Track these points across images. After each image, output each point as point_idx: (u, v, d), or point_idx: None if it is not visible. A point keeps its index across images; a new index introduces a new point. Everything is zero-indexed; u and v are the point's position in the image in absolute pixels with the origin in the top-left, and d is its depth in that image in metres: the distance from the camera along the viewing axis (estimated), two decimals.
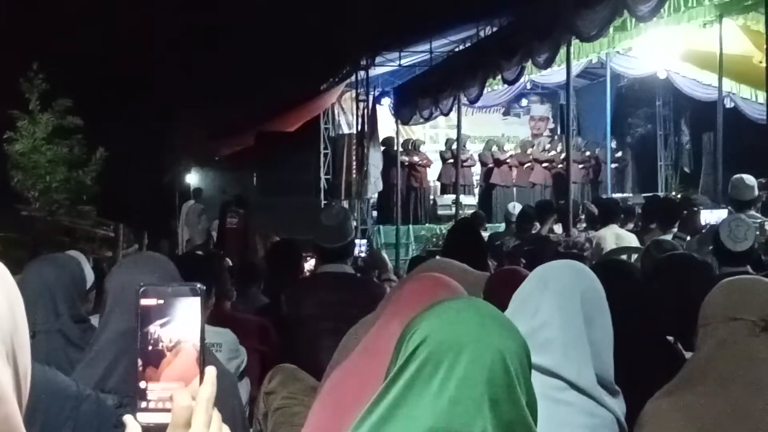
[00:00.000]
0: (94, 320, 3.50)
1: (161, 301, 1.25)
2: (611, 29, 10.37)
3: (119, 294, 2.55)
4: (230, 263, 7.64)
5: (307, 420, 2.58)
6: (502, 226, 12.92)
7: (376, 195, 19.12)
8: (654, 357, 3.06)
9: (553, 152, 20.06)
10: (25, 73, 17.99)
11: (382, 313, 2.61)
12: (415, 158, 19.58)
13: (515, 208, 11.27)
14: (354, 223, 17.34)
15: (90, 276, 4.00)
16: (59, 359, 3.06)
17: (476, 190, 20.21)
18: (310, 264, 7.24)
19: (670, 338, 3.49)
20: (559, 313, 2.26)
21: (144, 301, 1.25)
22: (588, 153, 19.82)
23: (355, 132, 19.79)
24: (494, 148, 19.87)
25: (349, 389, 2.47)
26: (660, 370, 2.58)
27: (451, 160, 18.35)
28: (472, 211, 15.16)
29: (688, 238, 7.73)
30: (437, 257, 3.36)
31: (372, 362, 2.48)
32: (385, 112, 19.03)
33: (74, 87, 18.46)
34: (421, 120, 16.92)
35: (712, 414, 2.21)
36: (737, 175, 7.88)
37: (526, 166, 19.81)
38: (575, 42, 10.56)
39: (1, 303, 1.07)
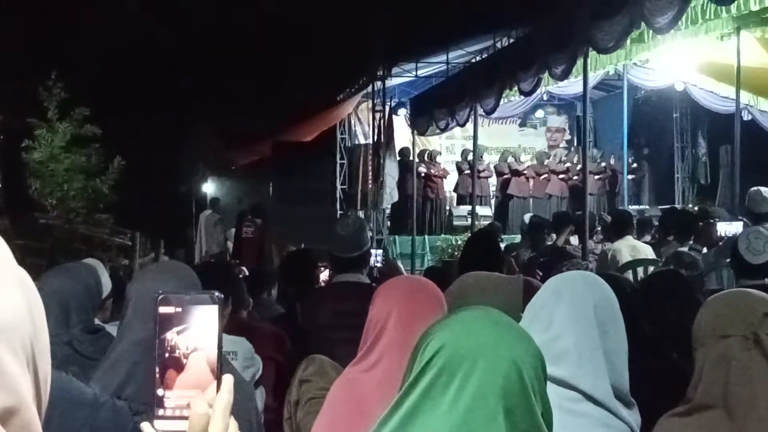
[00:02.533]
0: (111, 328, 3.52)
1: (179, 309, 1.26)
2: (628, 41, 10.35)
3: (139, 302, 2.56)
4: (246, 272, 7.66)
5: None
6: (517, 237, 12.91)
7: (391, 205, 19.12)
8: (649, 372, 3.06)
9: (569, 164, 20.02)
10: (44, 82, 18.07)
11: (369, 324, 2.63)
12: (432, 169, 19.59)
13: (527, 219, 11.27)
14: (369, 233, 17.35)
15: (107, 284, 4.02)
16: (66, 371, 3.07)
17: (492, 201, 20.20)
18: (324, 274, 7.26)
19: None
20: (573, 324, 2.26)
21: (162, 309, 1.26)
22: (604, 164, 19.78)
23: (371, 142, 19.81)
24: (510, 159, 19.87)
25: (355, 403, 2.48)
26: (659, 384, 2.58)
27: (468, 171, 18.34)
28: (487, 222, 15.17)
29: (705, 250, 7.71)
30: (473, 272, 3.36)
31: (375, 372, 2.49)
32: (401, 122, 19.05)
33: (92, 96, 18.52)
34: (438, 131, 16.93)
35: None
36: (754, 188, 7.85)
37: (542, 177, 19.78)
38: (592, 53, 10.55)
39: (21, 310, 1.08)
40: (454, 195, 20.25)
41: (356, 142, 21.15)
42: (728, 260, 5.66)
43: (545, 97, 19.95)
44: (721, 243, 7.77)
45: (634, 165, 19.95)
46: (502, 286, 3.23)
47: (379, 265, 11.56)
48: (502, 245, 10.22)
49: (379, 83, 18.81)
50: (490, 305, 2.47)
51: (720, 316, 2.33)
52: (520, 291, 3.25)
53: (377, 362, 2.50)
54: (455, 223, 19.23)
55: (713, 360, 2.28)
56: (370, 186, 19.44)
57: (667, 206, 14.77)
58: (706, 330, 2.34)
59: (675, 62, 14.58)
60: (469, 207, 16.98)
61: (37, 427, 1.07)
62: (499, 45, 14.93)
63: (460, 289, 3.19)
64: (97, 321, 3.75)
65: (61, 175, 18.30)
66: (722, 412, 2.22)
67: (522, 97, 15.43)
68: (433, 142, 20.53)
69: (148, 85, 22.59)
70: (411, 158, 18.38)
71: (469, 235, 12.22)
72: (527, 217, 11.56)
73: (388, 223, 20.01)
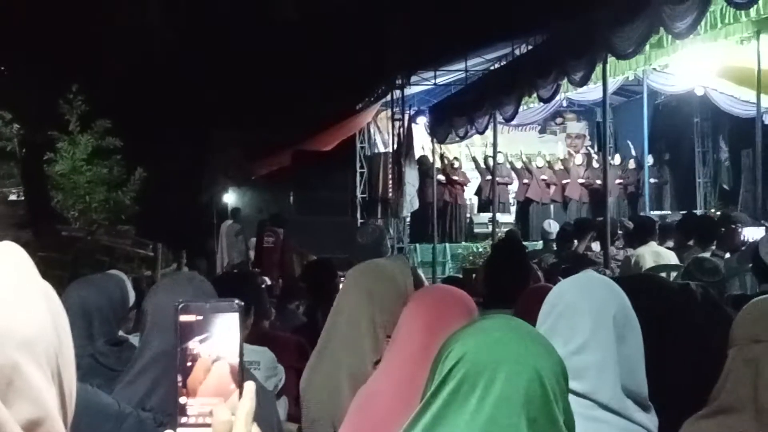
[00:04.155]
0: (135, 339, 3.53)
1: (200, 318, 1.26)
2: (647, 46, 10.32)
3: (158, 314, 2.57)
4: (268, 282, 7.68)
5: None
6: (539, 244, 12.88)
7: (411, 213, 19.12)
8: (687, 375, 3.04)
9: (589, 169, 19.96)
10: (65, 95, 18.19)
11: (398, 331, 2.62)
12: (453, 176, 19.59)
13: (551, 225, 11.25)
14: (390, 242, 17.37)
15: (131, 295, 4.04)
16: (90, 383, 3.08)
17: (512, 208, 20.17)
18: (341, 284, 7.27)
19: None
20: (593, 338, 2.24)
21: (183, 318, 1.27)
22: (625, 170, 19.70)
23: (391, 151, 19.83)
24: (531, 166, 19.85)
25: (378, 411, 2.48)
26: (692, 386, 2.56)
27: (489, 178, 18.33)
28: (507, 229, 15.15)
29: (727, 255, 7.66)
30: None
31: (398, 382, 2.49)
32: (420, 130, 19.06)
33: (113, 108, 18.64)
34: (457, 138, 16.92)
35: None
36: None
37: (563, 182, 19.74)
38: (611, 59, 10.52)
39: (46, 323, 1.09)
40: (474, 203, 20.23)
41: (376, 151, 21.17)
42: (750, 265, 5.62)
43: (565, 104, 19.92)
44: (743, 248, 7.72)
45: (656, 170, 19.86)
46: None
47: None
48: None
49: (398, 92, 18.84)
50: None
51: (755, 320, 2.32)
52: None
53: (400, 370, 2.50)
54: (476, 230, 19.23)
55: (742, 363, 2.27)
56: (390, 194, 19.46)
57: (687, 211, 14.68)
58: (741, 331, 2.32)
59: (695, 67, 14.52)
60: (490, 214, 16.95)
61: None
62: (517, 52, 14.92)
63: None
64: (120, 332, 3.77)
65: (83, 187, 18.41)
66: (748, 415, 2.21)
67: (541, 103, 15.40)
68: (452, 149, 20.52)
69: (169, 97, 22.69)
70: (431, 166, 18.37)
71: (490, 242, 12.21)
72: (548, 224, 11.54)
73: (409, 231, 20.02)
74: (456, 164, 19.98)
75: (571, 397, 1.69)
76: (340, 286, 6.31)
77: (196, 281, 2.82)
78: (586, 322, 2.27)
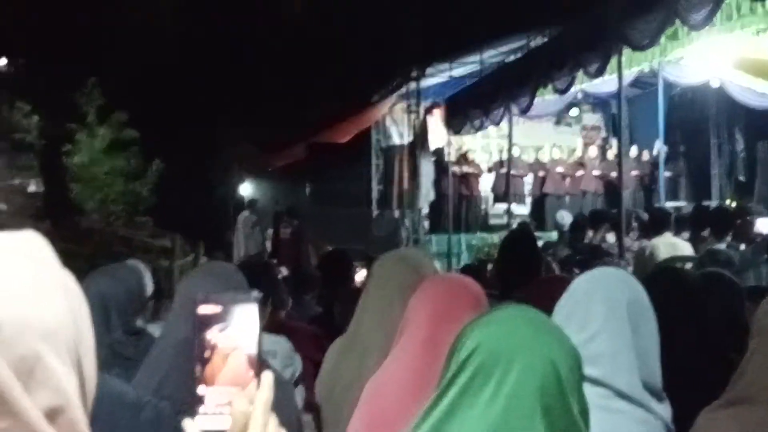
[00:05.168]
0: (153, 329, 3.56)
1: (219, 309, 1.28)
2: (663, 38, 10.26)
3: (183, 302, 2.58)
4: (285, 272, 7.69)
5: (349, 430, 2.60)
6: (554, 235, 12.85)
7: (427, 205, 19.10)
8: (706, 363, 3.04)
9: (605, 161, 19.89)
10: (83, 88, 18.26)
11: (406, 322, 2.62)
12: (467, 168, 19.56)
13: (564, 217, 11.22)
14: (405, 233, 17.35)
15: (149, 286, 4.06)
16: (108, 373, 3.10)
17: (528, 200, 20.12)
18: (361, 274, 7.27)
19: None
20: (607, 325, 2.26)
21: (202, 308, 1.28)
22: (641, 160, 19.60)
23: (406, 143, 19.81)
24: (546, 158, 19.81)
25: (388, 398, 2.48)
26: (712, 377, 2.56)
27: (503, 170, 18.30)
28: (522, 221, 15.12)
29: (743, 246, 7.63)
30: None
31: (408, 371, 2.49)
32: (436, 122, 19.03)
33: (130, 100, 18.72)
34: (472, 130, 16.86)
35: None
36: None
37: (577, 174, 19.68)
38: (626, 51, 10.47)
39: (66, 312, 1.10)
40: (490, 194, 20.19)
41: (391, 143, 21.15)
42: (766, 257, 5.61)
43: (580, 96, 19.83)
44: (758, 239, 7.69)
45: (671, 162, 19.75)
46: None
47: None
48: (540, 243, 10.21)
49: (413, 84, 18.81)
50: None
51: None
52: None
53: (409, 360, 2.50)
54: (491, 221, 19.20)
55: (763, 354, 2.26)
56: (405, 186, 19.45)
57: (700, 203, 14.63)
58: (761, 323, 2.32)
59: (710, 59, 14.43)
60: (505, 205, 16.92)
61: (84, 426, 1.10)
62: (532, 44, 14.87)
63: None
64: (139, 322, 3.79)
65: (101, 179, 18.51)
66: (765, 406, 2.20)
67: (557, 95, 15.34)
68: (468, 141, 20.46)
69: (186, 89, 22.75)
70: (446, 158, 18.35)
71: (505, 233, 12.17)
72: (560, 215, 11.51)
73: (425, 222, 20.01)
74: (471, 156, 19.95)
75: (587, 387, 1.69)
76: (356, 276, 6.33)
77: (229, 271, 2.82)
78: (600, 311, 2.28)
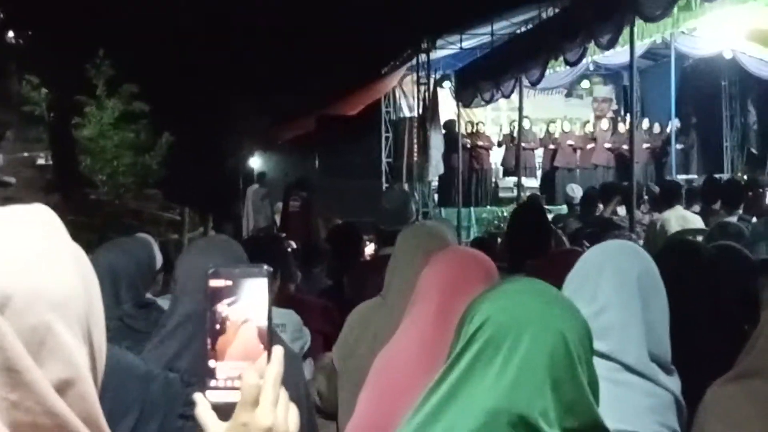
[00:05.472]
0: (163, 302, 3.57)
1: (230, 282, 1.28)
2: (675, 9, 10.19)
3: (189, 276, 2.59)
4: (294, 246, 7.70)
5: (356, 407, 2.60)
6: (564, 208, 12.84)
7: (437, 178, 19.09)
8: (719, 336, 3.04)
9: (616, 134, 19.83)
10: (92, 60, 18.25)
11: (417, 296, 2.62)
12: (477, 141, 19.53)
13: (575, 190, 11.20)
14: (415, 206, 17.34)
15: (158, 258, 4.07)
16: (118, 345, 3.12)
17: (538, 173, 20.09)
18: (370, 247, 7.28)
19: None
20: (617, 297, 2.26)
21: (213, 282, 1.28)
22: (653, 133, 19.53)
23: (416, 115, 19.77)
24: (557, 130, 19.75)
25: (399, 370, 2.49)
26: (724, 350, 2.55)
27: (514, 143, 18.27)
28: (532, 194, 15.11)
29: (754, 219, 7.61)
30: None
31: (418, 343, 2.50)
32: (446, 94, 18.98)
33: (140, 73, 18.70)
34: (483, 103, 16.80)
35: None
36: None
37: (588, 147, 19.63)
38: (639, 22, 10.40)
39: (76, 284, 1.11)
40: (500, 167, 20.17)
41: (401, 115, 21.11)
42: None
43: (591, 67, 19.74)
44: None
45: (683, 134, 19.69)
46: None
47: None
48: (549, 216, 10.20)
49: (423, 56, 18.74)
50: None
51: None
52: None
53: (420, 332, 2.51)
54: (501, 195, 19.19)
55: None
56: (415, 159, 19.43)
57: (714, 175, 14.57)
58: None
59: (723, 30, 14.35)
60: (515, 178, 16.90)
61: (94, 398, 1.10)
62: (544, 15, 14.78)
63: None
64: (148, 295, 3.80)
65: (110, 152, 18.53)
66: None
67: (568, 67, 15.26)
68: (478, 113, 20.41)
69: (195, 62, 22.73)
70: (456, 130, 18.31)
71: (515, 206, 12.17)
72: (570, 188, 11.49)
73: (435, 195, 20.00)
74: (481, 128, 19.91)
75: (597, 360, 1.69)
76: (365, 249, 6.33)
77: (228, 244, 2.83)
78: (610, 283, 2.28)
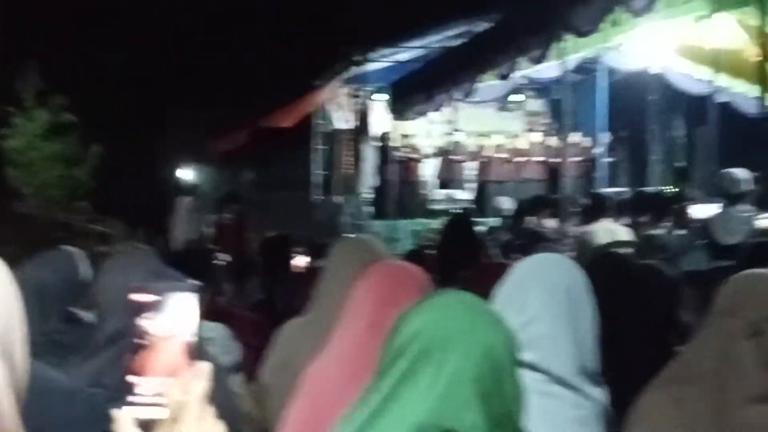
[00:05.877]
0: (90, 316, 3.50)
1: (154, 297, 1.26)
2: (607, 24, 10.33)
3: (112, 293, 2.55)
4: (226, 258, 7.63)
5: (288, 416, 2.59)
6: (495, 221, 12.93)
7: (370, 190, 19.09)
8: (646, 348, 3.08)
9: (546, 147, 20.03)
10: (20, 71, 17.95)
11: (350, 308, 2.61)
12: (410, 153, 19.58)
13: (504, 203, 11.31)
14: (347, 219, 17.30)
15: (87, 272, 4.00)
16: (44, 361, 3.05)
17: (470, 186, 20.19)
18: (303, 260, 7.25)
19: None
20: (546, 309, 2.28)
21: (136, 297, 1.26)
22: (583, 146, 19.75)
23: (349, 128, 19.76)
24: (488, 143, 19.89)
25: (329, 384, 2.48)
26: (652, 360, 2.59)
27: (446, 156, 18.35)
28: (464, 207, 15.21)
29: (681, 231, 7.74)
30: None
31: (350, 354, 2.49)
32: (379, 107, 19.00)
33: (69, 84, 18.44)
34: (417, 116, 16.88)
35: (703, 410, 2.20)
36: (726, 169, 7.87)
37: (519, 160, 19.81)
38: (569, 37, 10.53)
39: None
40: (432, 179, 20.24)
41: (334, 128, 21.09)
42: (702, 241, 5.70)
43: (523, 81, 19.92)
44: (696, 224, 7.80)
45: (612, 148, 19.94)
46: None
47: None
48: (484, 229, 10.28)
49: (357, 68, 18.75)
50: None
51: (733, 295, 2.31)
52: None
53: (353, 341, 2.50)
54: (433, 207, 19.27)
55: (713, 336, 2.27)
56: (348, 171, 19.41)
57: (640, 189, 14.80)
58: (719, 303, 2.31)
59: (652, 45, 14.57)
60: (447, 191, 16.97)
61: (13, 415, 1.08)
62: (476, 29, 14.88)
63: None
64: (76, 310, 3.73)
65: (38, 164, 18.21)
66: (704, 387, 2.21)
67: (500, 81, 15.37)
68: (412, 126, 20.45)
69: (127, 74, 22.49)
70: (389, 143, 18.34)
71: (446, 219, 12.21)
72: (500, 201, 11.61)
73: (368, 207, 20.00)
74: (414, 141, 19.96)
75: (525, 372, 1.71)
76: (297, 261, 6.31)
77: (149, 259, 2.80)
78: (539, 295, 2.29)
